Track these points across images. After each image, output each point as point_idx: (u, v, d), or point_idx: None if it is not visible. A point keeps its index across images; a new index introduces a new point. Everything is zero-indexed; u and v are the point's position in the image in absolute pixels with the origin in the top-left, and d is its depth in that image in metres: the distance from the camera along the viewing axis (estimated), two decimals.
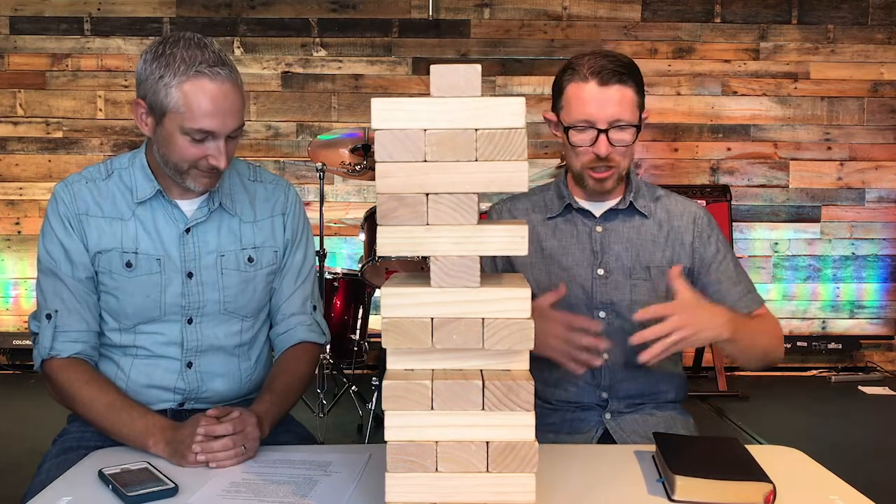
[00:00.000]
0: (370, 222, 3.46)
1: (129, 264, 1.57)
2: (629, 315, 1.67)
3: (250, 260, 1.64)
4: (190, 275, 1.60)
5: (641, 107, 1.66)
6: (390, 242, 1.09)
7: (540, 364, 1.71)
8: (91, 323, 1.58)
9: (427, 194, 1.08)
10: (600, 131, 1.61)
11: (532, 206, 1.77)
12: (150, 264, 1.58)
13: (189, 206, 1.61)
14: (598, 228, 1.71)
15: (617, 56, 1.65)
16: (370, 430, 3.39)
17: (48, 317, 1.56)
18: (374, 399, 3.41)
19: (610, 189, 1.69)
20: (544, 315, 1.39)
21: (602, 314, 1.68)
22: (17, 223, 4.74)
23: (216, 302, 1.62)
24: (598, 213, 1.72)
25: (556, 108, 1.70)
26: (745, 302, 1.68)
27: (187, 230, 1.60)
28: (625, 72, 1.62)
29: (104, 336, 1.61)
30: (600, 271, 1.69)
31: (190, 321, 1.61)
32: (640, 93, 1.66)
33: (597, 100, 1.61)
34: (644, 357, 1.44)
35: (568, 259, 1.70)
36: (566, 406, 1.71)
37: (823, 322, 4.86)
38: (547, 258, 1.70)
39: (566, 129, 1.64)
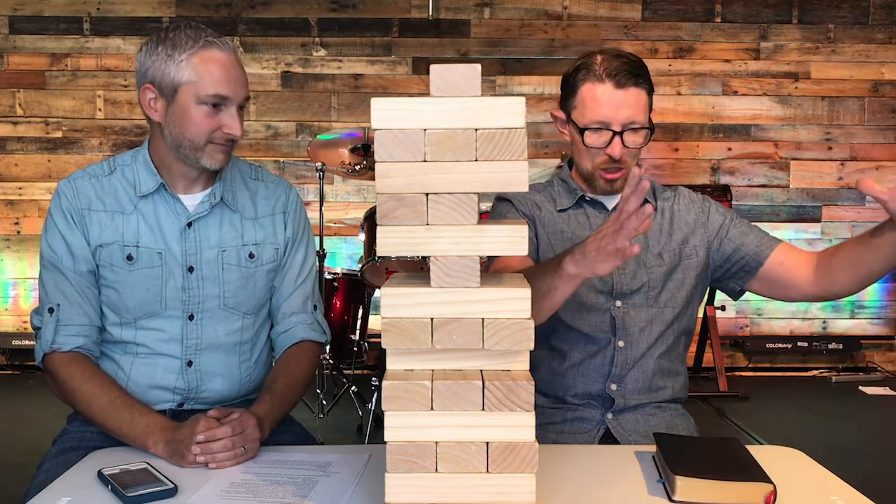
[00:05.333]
0: (370, 222, 3.46)
1: (129, 257, 1.58)
2: (644, 301, 1.70)
3: (251, 256, 1.65)
4: (191, 269, 1.60)
5: (650, 107, 1.68)
6: (390, 242, 1.09)
7: (552, 354, 1.72)
8: (93, 317, 1.59)
9: (427, 194, 1.08)
10: (615, 133, 1.62)
11: (544, 198, 1.78)
12: (151, 258, 1.58)
13: (191, 200, 1.62)
14: None
15: (630, 56, 1.65)
16: (370, 430, 3.39)
17: (50, 311, 1.57)
18: (373, 399, 3.41)
19: (619, 189, 1.71)
20: (600, 228, 1.33)
21: (619, 303, 1.70)
22: (17, 223, 4.74)
23: (216, 297, 1.62)
24: (609, 206, 1.74)
25: (566, 106, 1.70)
26: (767, 243, 1.70)
27: (189, 224, 1.60)
28: (640, 73, 1.63)
29: (105, 332, 1.61)
30: None
31: (191, 317, 1.61)
32: (651, 93, 1.68)
33: (613, 102, 1.61)
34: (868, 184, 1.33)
35: None
36: (570, 403, 1.71)
37: (824, 322, 4.86)
38: (567, 243, 1.71)
39: (581, 131, 1.65)
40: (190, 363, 1.62)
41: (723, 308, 4.49)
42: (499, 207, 1.79)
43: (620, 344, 1.69)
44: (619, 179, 1.69)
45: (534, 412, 1.07)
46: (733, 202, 4.47)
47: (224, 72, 1.53)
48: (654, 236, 1.73)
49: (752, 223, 1.77)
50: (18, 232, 4.75)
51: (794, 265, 1.66)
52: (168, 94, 1.53)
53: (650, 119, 1.67)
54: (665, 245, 1.73)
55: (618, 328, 1.69)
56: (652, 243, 1.73)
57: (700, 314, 4.49)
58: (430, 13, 4.67)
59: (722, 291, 1.81)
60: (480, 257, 1.10)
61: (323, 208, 3.58)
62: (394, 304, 1.08)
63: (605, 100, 1.62)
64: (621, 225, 1.29)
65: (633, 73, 1.62)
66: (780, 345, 4.76)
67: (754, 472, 1.24)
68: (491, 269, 1.68)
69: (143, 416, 1.47)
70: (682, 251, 1.73)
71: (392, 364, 1.12)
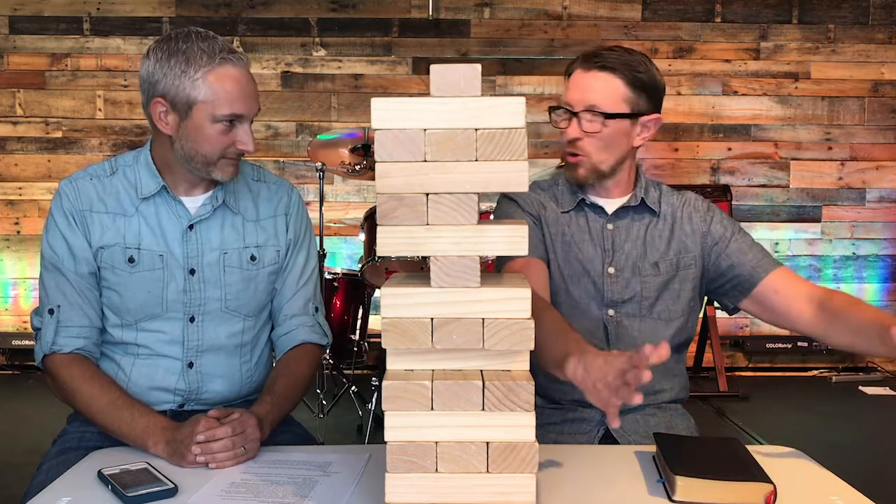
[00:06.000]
0: (370, 222, 3.46)
1: (131, 260, 1.57)
2: (638, 311, 1.68)
3: (253, 258, 1.64)
4: (192, 271, 1.60)
5: (635, 103, 1.64)
6: (390, 242, 1.09)
7: None
8: (93, 318, 1.58)
9: (427, 194, 1.08)
10: (573, 114, 1.63)
11: (548, 197, 1.77)
12: (153, 260, 1.58)
13: (193, 202, 1.62)
14: (609, 226, 1.71)
15: (621, 49, 1.64)
16: (370, 430, 3.39)
17: (50, 312, 1.57)
18: (374, 399, 3.41)
19: (581, 178, 1.70)
20: (611, 363, 1.18)
21: (611, 312, 1.69)
22: (17, 223, 4.74)
23: (218, 299, 1.62)
24: (609, 210, 1.73)
25: None
26: (763, 265, 1.67)
27: (190, 227, 1.60)
28: (615, 61, 1.61)
29: (106, 333, 1.61)
30: (611, 269, 1.69)
31: (192, 319, 1.61)
32: (638, 88, 1.63)
33: (577, 84, 1.63)
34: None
35: (582, 254, 1.70)
36: (570, 405, 1.71)
37: None
38: (566, 246, 1.71)
39: (550, 111, 1.67)
40: (191, 365, 1.62)
41: None
42: (504, 206, 1.77)
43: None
44: (578, 166, 1.68)
45: (534, 412, 1.07)
46: (733, 202, 4.47)
47: (240, 89, 1.51)
48: (652, 243, 1.71)
49: (755, 240, 1.73)
50: (18, 232, 4.75)
51: (791, 297, 1.62)
52: (182, 111, 1.51)
53: (631, 113, 1.63)
54: (663, 254, 1.70)
55: (611, 337, 1.68)
56: (650, 250, 1.70)
57: (700, 314, 4.49)
58: (430, 13, 4.67)
59: (718, 304, 1.78)
60: (482, 258, 1.10)
61: (323, 208, 3.58)
62: (394, 304, 1.08)
63: (572, 82, 1.64)
64: (618, 383, 1.16)
65: (603, 57, 1.61)
66: (780, 345, 4.76)
67: (754, 472, 1.24)
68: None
69: (143, 416, 1.47)
70: (680, 261, 1.70)
71: (392, 364, 1.12)
